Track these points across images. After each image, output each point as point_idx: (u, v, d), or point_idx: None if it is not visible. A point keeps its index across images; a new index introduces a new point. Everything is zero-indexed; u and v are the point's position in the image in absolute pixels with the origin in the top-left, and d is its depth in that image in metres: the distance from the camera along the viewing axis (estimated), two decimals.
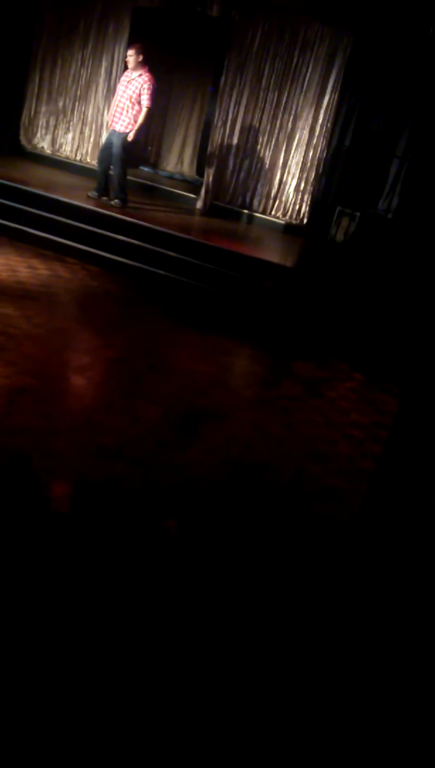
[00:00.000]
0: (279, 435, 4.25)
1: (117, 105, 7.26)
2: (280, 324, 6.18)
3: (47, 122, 9.43)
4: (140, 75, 7.11)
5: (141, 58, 7.10)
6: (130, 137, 7.21)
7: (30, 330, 4.79)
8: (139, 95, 7.10)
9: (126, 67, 7.40)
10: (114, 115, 7.31)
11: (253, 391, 5.06)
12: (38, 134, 9.51)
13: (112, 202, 7.45)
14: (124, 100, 7.17)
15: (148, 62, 7.23)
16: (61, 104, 9.31)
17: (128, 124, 7.17)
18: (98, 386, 4.48)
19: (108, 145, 7.40)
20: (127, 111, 7.16)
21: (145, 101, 7.11)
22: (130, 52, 7.17)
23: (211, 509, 3.29)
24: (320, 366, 5.67)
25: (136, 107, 7.14)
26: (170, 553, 2.89)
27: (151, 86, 7.12)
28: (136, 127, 7.19)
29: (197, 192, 8.88)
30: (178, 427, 4.02)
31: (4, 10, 8.77)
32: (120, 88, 7.29)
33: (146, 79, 7.08)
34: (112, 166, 7.41)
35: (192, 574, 2.80)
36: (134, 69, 7.15)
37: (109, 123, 7.53)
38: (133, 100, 7.13)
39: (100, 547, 2.80)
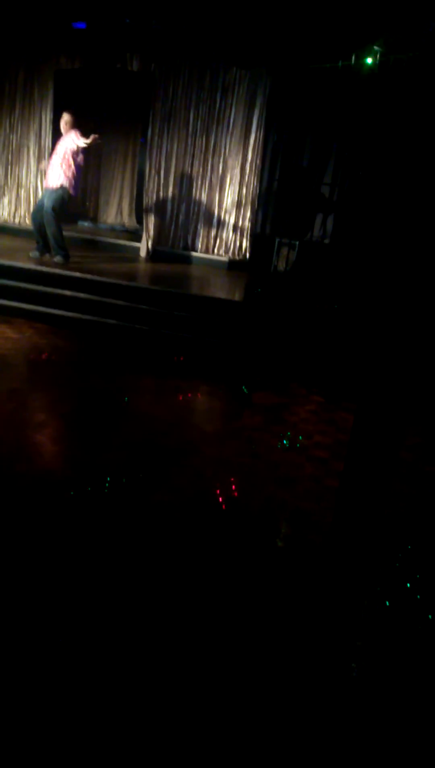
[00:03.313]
0: (245, 466, 4.23)
1: (50, 164, 7.39)
2: (235, 357, 6.23)
3: None
4: (71, 134, 7.28)
5: (71, 124, 7.28)
6: (67, 188, 7.31)
7: None
8: (70, 151, 7.24)
9: (55, 128, 7.55)
10: (47, 175, 7.42)
11: (215, 425, 5.05)
12: None
13: (55, 259, 7.49)
14: (56, 158, 7.30)
15: (78, 124, 7.40)
16: None
17: (59, 179, 7.28)
18: (58, 442, 4.41)
19: (40, 205, 7.49)
20: (58, 168, 7.28)
21: (87, 139, 7.20)
22: (66, 117, 7.32)
23: (181, 550, 3.23)
24: (279, 393, 5.71)
25: (65, 164, 7.26)
26: (143, 604, 2.82)
27: (79, 133, 7.27)
28: (68, 177, 7.29)
29: (139, 240, 9.01)
30: (143, 470, 3.97)
31: None
32: (56, 149, 7.41)
33: (75, 134, 7.25)
34: (44, 221, 7.45)
35: (169, 620, 2.73)
36: (66, 133, 7.32)
37: (45, 182, 7.64)
38: (64, 156, 7.26)
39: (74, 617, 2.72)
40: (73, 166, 7.28)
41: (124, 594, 2.84)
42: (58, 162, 7.28)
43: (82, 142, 7.18)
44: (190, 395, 5.44)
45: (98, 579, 2.92)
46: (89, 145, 7.24)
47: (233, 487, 3.91)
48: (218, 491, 3.83)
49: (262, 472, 4.19)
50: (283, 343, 6.34)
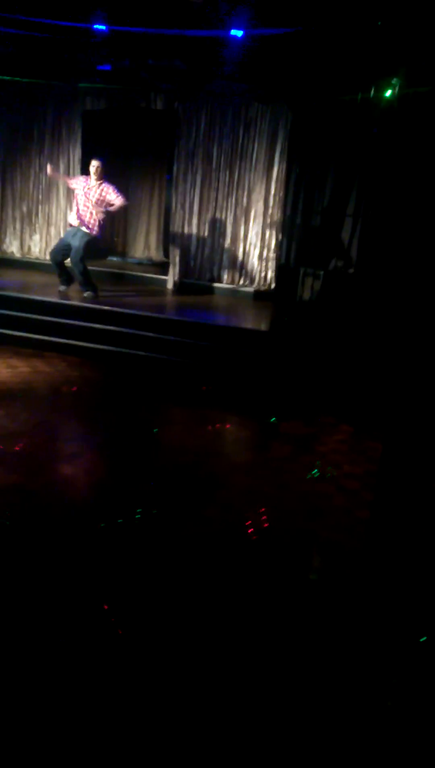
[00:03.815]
0: (274, 497, 4.23)
1: (80, 209, 7.57)
2: (262, 387, 6.26)
3: (14, 228, 9.82)
4: (101, 184, 7.49)
5: (101, 171, 7.50)
6: (96, 233, 7.53)
7: (15, 428, 4.82)
8: (105, 200, 7.45)
9: (83, 166, 7.77)
10: (77, 218, 7.60)
11: (244, 456, 5.07)
12: (6, 240, 9.87)
13: (85, 294, 7.66)
14: (89, 205, 7.49)
15: (106, 164, 7.63)
16: (25, 209, 9.73)
17: (90, 225, 7.48)
18: (89, 472, 4.47)
19: (64, 244, 7.65)
20: (88, 213, 7.48)
21: (120, 200, 7.50)
22: (95, 164, 7.52)
23: (212, 582, 3.24)
24: (307, 423, 5.71)
25: (96, 212, 7.45)
26: (174, 639, 2.83)
27: (115, 188, 7.51)
28: (98, 224, 7.53)
29: (166, 273, 9.17)
30: (172, 502, 4.00)
31: None
32: (80, 193, 7.60)
33: (109, 185, 7.50)
34: (70, 262, 7.62)
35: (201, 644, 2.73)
36: (96, 179, 7.52)
37: (70, 223, 7.84)
38: (98, 204, 7.46)
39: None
40: (102, 215, 7.50)
41: (156, 628, 2.85)
42: (89, 207, 7.47)
43: (117, 203, 7.44)
44: (218, 425, 5.48)
45: (129, 612, 2.93)
46: (117, 209, 7.51)
47: (263, 518, 3.92)
48: (248, 522, 3.84)
49: (291, 503, 4.18)
50: (310, 373, 6.36)
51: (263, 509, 4.01)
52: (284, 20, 7.21)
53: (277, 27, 7.34)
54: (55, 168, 7.81)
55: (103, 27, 7.36)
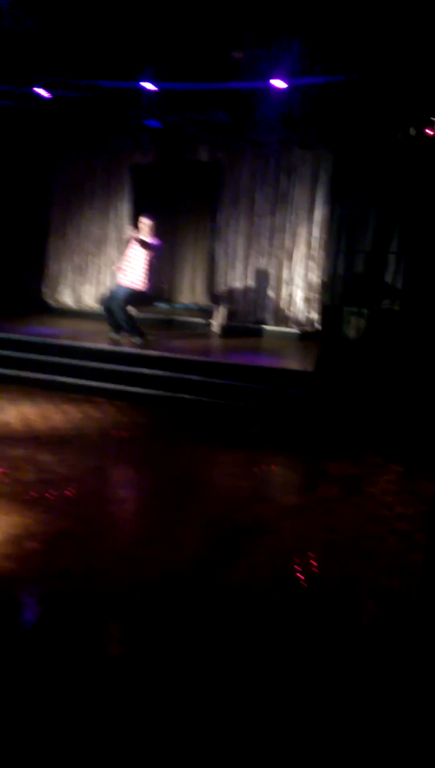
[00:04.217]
0: (323, 540, 4.17)
1: (125, 262, 7.84)
2: (308, 428, 6.23)
3: (67, 279, 10.22)
4: (149, 239, 7.75)
5: (151, 230, 7.75)
6: (141, 288, 7.73)
7: (66, 473, 4.93)
8: (147, 254, 7.70)
9: (132, 220, 8.07)
10: (122, 270, 7.87)
11: (292, 498, 5.03)
12: (60, 290, 10.28)
13: (133, 340, 7.86)
14: (132, 258, 7.75)
15: (153, 216, 7.89)
16: (77, 260, 10.13)
17: (134, 280, 7.71)
18: (137, 518, 4.52)
19: (112, 293, 7.90)
20: (135, 269, 7.71)
21: (151, 260, 7.69)
22: (147, 222, 7.81)
23: (262, 630, 3.19)
24: (356, 463, 5.63)
25: (142, 265, 7.69)
26: (223, 690, 2.79)
27: (157, 242, 7.73)
28: (142, 277, 7.74)
29: (212, 317, 9.33)
30: (219, 547, 3.99)
31: (23, 187, 9.84)
32: (130, 247, 7.88)
33: (157, 244, 7.74)
34: (114, 313, 7.85)
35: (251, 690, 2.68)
36: (146, 234, 7.78)
37: (117, 277, 8.11)
38: (141, 260, 7.70)
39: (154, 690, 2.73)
40: (147, 267, 7.72)
41: (203, 677, 2.83)
42: (135, 262, 7.72)
43: (151, 245, 7.67)
44: (264, 467, 5.47)
45: (174, 661, 2.92)
46: (151, 248, 7.71)
47: (312, 562, 3.86)
48: (297, 567, 3.78)
49: (341, 546, 4.11)
50: (357, 412, 6.30)
51: (312, 553, 3.95)
52: (324, 69, 7.44)
53: (316, 76, 7.57)
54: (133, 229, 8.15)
55: (150, 85, 7.71)
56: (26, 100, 8.65)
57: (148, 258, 7.71)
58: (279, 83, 7.40)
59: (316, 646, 3.10)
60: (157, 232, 7.86)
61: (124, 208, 9.63)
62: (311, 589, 3.59)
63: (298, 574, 3.71)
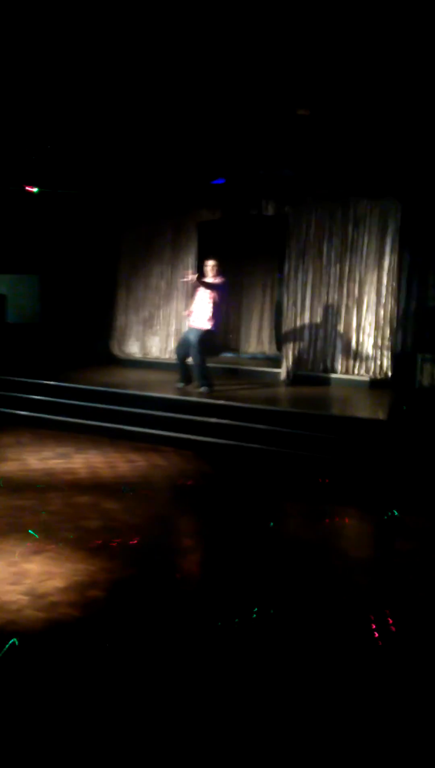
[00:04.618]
0: (400, 597, 3.87)
1: (195, 304, 7.99)
2: (382, 479, 5.94)
3: (136, 330, 10.44)
4: (215, 280, 7.87)
5: (217, 270, 7.90)
6: (209, 327, 7.80)
7: (131, 521, 4.85)
8: (211, 294, 7.80)
9: (199, 271, 8.23)
10: (192, 314, 8.00)
11: (366, 552, 4.75)
12: (128, 342, 10.50)
13: (200, 389, 7.85)
14: (201, 301, 7.87)
15: (220, 266, 8.02)
16: (146, 313, 10.36)
17: (203, 322, 7.79)
18: (204, 569, 4.36)
19: (185, 340, 8.00)
20: (204, 310, 7.82)
21: (216, 299, 7.77)
22: (211, 263, 7.97)
23: (337, 692, 2.94)
24: (432, 517, 5.29)
25: (208, 306, 7.79)
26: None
27: (220, 285, 7.83)
28: (210, 316, 7.79)
29: (279, 366, 9.25)
30: (290, 601, 3.77)
31: (93, 245, 10.27)
32: (196, 291, 8.03)
33: (219, 281, 7.84)
34: (190, 358, 7.92)
35: None
36: (213, 277, 7.92)
37: (188, 322, 8.23)
38: (208, 301, 7.81)
39: None
40: (212, 306, 7.80)
41: (277, 737, 2.60)
42: (202, 304, 7.84)
43: (211, 281, 7.77)
44: (337, 519, 5.21)
45: (246, 718, 2.70)
46: (214, 287, 7.79)
47: (389, 620, 3.57)
48: (374, 626, 3.50)
49: (419, 605, 3.79)
50: (433, 463, 5.97)
51: (388, 611, 3.66)
52: (386, 121, 7.48)
53: (378, 127, 7.61)
54: (193, 272, 8.33)
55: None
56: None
57: (212, 297, 7.78)
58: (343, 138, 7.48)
59: (394, 709, 2.81)
60: (221, 273, 7.95)
61: (191, 262, 9.83)
62: (388, 648, 3.30)
63: (374, 633, 3.43)
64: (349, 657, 3.23)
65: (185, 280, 8.15)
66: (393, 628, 3.48)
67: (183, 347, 8.04)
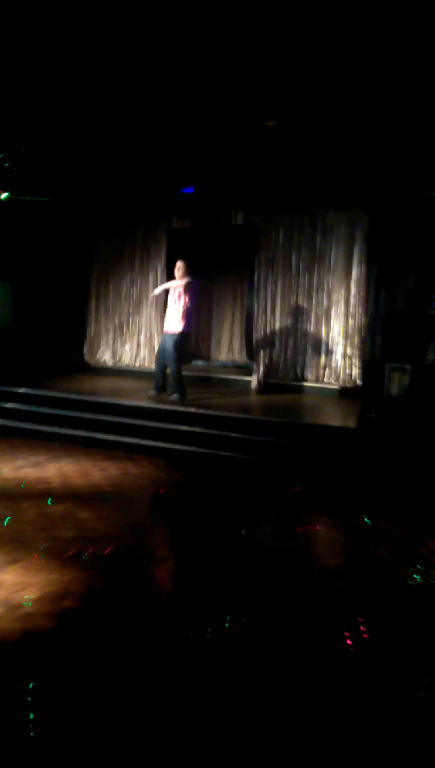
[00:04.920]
0: (372, 604, 3.95)
1: (167, 310, 8.03)
2: (353, 486, 6.05)
3: (107, 338, 10.41)
4: (182, 281, 7.92)
5: (185, 271, 7.95)
6: (184, 329, 7.82)
7: (105, 530, 4.84)
8: (181, 296, 7.84)
9: (169, 279, 8.27)
10: (165, 320, 8.05)
11: (338, 559, 4.82)
12: (100, 350, 10.47)
13: (171, 397, 7.88)
14: (171, 305, 7.92)
15: (191, 273, 8.06)
16: (117, 321, 10.35)
17: (176, 325, 7.83)
18: (176, 578, 4.38)
19: (162, 347, 8.04)
20: (176, 313, 7.86)
21: (185, 299, 7.81)
22: (179, 264, 8.02)
23: (310, 699, 2.99)
24: (403, 524, 5.40)
25: (181, 308, 7.83)
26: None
27: (188, 285, 7.86)
28: (182, 318, 7.81)
29: (250, 374, 9.32)
30: (262, 609, 3.81)
31: (63, 253, 10.22)
32: (169, 295, 8.07)
33: (186, 281, 7.87)
34: (167, 366, 7.96)
35: None
36: (180, 278, 7.97)
37: (162, 327, 8.26)
38: (177, 302, 7.85)
39: None
40: (185, 309, 7.83)
41: (248, 746, 2.63)
42: (175, 307, 7.88)
43: (186, 299, 7.80)
44: (309, 527, 5.28)
45: (216, 728, 2.74)
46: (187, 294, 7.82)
47: (362, 628, 3.64)
48: (346, 633, 3.57)
49: (392, 611, 3.88)
50: (403, 470, 6.10)
51: (361, 618, 3.74)
52: (354, 133, 7.64)
53: (345, 139, 7.77)
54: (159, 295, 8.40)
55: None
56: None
57: (185, 300, 7.82)
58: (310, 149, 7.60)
59: (367, 716, 2.87)
60: (190, 275, 7.99)
61: (162, 270, 9.86)
62: (361, 655, 3.37)
63: (347, 641, 3.50)
64: (321, 664, 3.29)
65: (154, 294, 8.20)
66: (366, 636, 3.56)
67: (161, 355, 8.05)
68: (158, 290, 8.26)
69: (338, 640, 3.50)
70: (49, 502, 5.38)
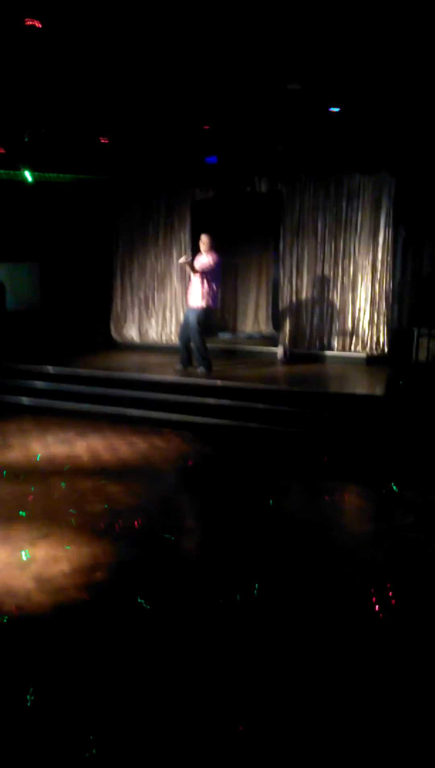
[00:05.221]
0: (400, 571, 3.95)
1: (190, 286, 7.99)
2: (381, 454, 6.01)
3: (133, 314, 10.43)
4: (207, 256, 7.85)
5: (210, 245, 7.87)
6: (208, 304, 7.79)
7: (133, 502, 4.92)
8: (208, 271, 7.78)
9: (194, 252, 8.20)
10: (188, 294, 8.02)
11: (367, 527, 4.82)
12: (126, 326, 10.49)
13: (198, 370, 7.88)
14: (195, 279, 7.87)
15: (215, 245, 7.98)
16: (142, 296, 10.34)
17: (200, 300, 7.79)
18: (206, 548, 4.44)
19: (186, 322, 8.03)
20: (198, 288, 7.82)
21: (206, 268, 7.74)
22: (204, 239, 7.95)
23: (340, 666, 3.02)
24: (432, 490, 5.36)
25: (204, 284, 7.78)
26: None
27: (213, 261, 7.79)
28: (206, 294, 7.77)
29: (276, 345, 9.26)
30: (291, 577, 3.85)
31: (88, 229, 10.23)
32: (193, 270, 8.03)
33: (211, 257, 7.81)
34: (190, 339, 7.95)
35: None
36: (206, 253, 7.90)
37: (186, 302, 8.24)
38: (201, 277, 7.80)
39: None
40: (210, 284, 7.78)
41: (279, 714, 2.68)
42: (197, 282, 7.83)
43: (207, 265, 7.73)
44: (336, 496, 5.28)
45: (250, 698, 2.79)
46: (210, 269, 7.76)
47: (390, 594, 3.65)
48: (374, 599, 3.59)
49: (420, 578, 3.88)
50: (432, 436, 6.03)
51: (389, 584, 3.75)
52: (377, 92, 7.39)
53: (370, 100, 7.53)
54: (187, 257, 8.31)
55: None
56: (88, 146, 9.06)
57: (208, 274, 7.77)
58: (334, 109, 7.40)
59: (396, 684, 2.89)
60: (214, 249, 7.92)
61: (185, 242, 9.79)
62: (389, 622, 3.38)
63: (375, 606, 3.51)
64: (350, 631, 3.31)
65: (181, 262, 8.13)
66: (393, 602, 3.57)
67: (185, 329, 8.05)
68: (182, 260, 8.16)
69: (366, 607, 3.51)
70: (78, 478, 5.48)
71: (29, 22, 5.47)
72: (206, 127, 8.28)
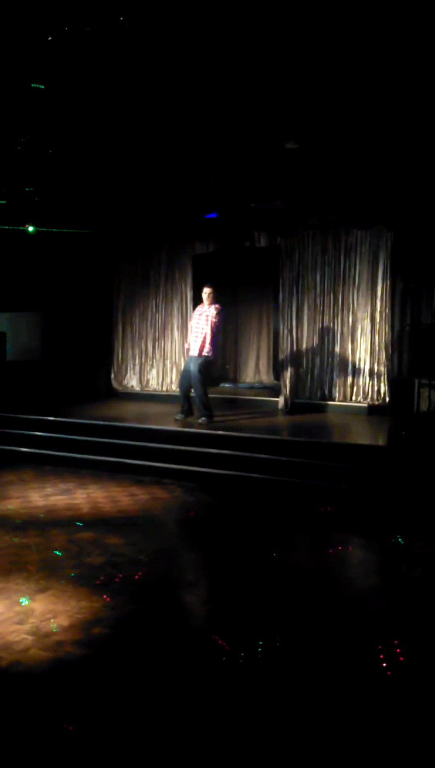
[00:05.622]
0: (407, 625, 3.85)
1: (192, 334, 8.07)
2: (385, 506, 5.94)
3: (134, 364, 10.50)
4: (211, 307, 7.96)
5: (212, 297, 8.00)
6: (208, 354, 7.86)
7: (134, 556, 4.83)
8: (209, 323, 7.88)
9: (195, 304, 8.31)
10: (189, 343, 8.09)
11: (371, 580, 4.72)
12: (127, 375, 10.54)
13: (199, 420, 7.87)
14: (198, 329, 7.96)
15: (217, 297, 8.12)
16: (143, 346, 10.43)
17: (201, 349, 7.86)
18: (207, 603, 4.33)
19: (187, 371, 8.07)
20: (200, 338, 7.90)
21: (212, 319, 7.86)
22: (207, 290, 8.08)
23: (347, 723, 2.91)
24: None
25: (206, 334, 7.87)
26: None
27: (218, 313, 7.91)
28: (208, 344, 7.85)
29: (277, 395, 9.28)
30: (296, 632, 3.74)
31: (89, 281, 10.39)
32: (194, 319, 8.14)
33: (215, 308, 7.92)
34: (192, 389, 7.98)
35: None
36: (209, 304, 8.02)
37: (187, 351, 8.31)
38: (205, 329, 7.89)
39: None
40: (210, 334, 7.86)
41: None
42: (199, 331, 7.92)
43: (213, 319, 7.86)
44: (340, 548, 5.19)
45: (256, 757, 2.67)
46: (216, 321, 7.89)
47: (397, 650, 3.54)
48: (381, 656, 3.48)
49: (428, 633, 3.77)
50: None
51: (396, 640, 3.64)
52: (374, 152, 7.66)
53: (366, 157, 7.79)
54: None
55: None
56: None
57: (213, 326, 7.85)
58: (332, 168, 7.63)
59: (405, 743, 2.78)
60: (219, 303, 8.04)
61: (187, 294, 9.95)
62: (397, 678, 3.27)
63: (382, 663, 3.40)
64: (357, 687, 3.20)
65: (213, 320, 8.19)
66: (401, 658, 3.46)
67: (185, 378, 8.09)
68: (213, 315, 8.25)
69: (373, 662, 3.40)
70: (78, 529, 5.40)
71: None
72: (207, 185, 8.53)
